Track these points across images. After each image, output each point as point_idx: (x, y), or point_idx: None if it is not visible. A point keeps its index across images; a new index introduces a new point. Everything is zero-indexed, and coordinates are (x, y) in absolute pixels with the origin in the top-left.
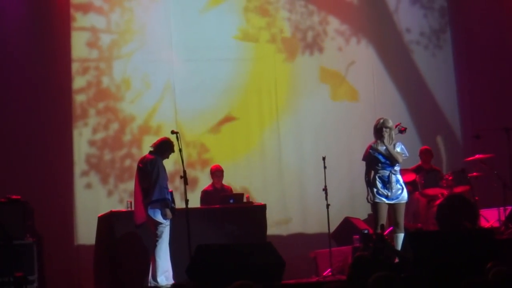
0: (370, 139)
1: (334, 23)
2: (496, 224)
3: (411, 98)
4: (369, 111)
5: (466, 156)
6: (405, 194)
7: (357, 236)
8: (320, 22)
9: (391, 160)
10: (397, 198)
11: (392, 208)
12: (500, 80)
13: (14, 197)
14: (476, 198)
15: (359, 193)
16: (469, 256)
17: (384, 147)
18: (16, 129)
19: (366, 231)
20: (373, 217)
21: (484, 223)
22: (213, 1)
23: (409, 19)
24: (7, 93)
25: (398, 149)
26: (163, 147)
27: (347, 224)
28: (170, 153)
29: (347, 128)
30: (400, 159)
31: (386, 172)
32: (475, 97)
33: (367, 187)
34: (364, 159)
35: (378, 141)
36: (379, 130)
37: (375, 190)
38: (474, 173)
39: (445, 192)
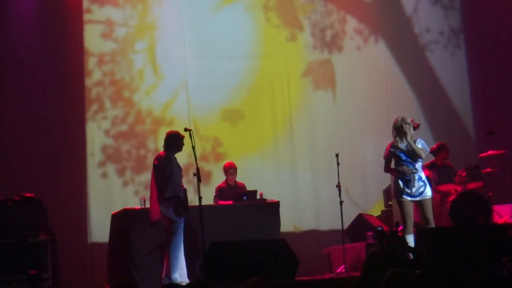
0: (383, 136)
1: (352, 22)
2: (510, 220)
3: (424, 95)
4: (382, 108)
5: (480, 152)
6: (428, 190)
7: (371, 233)
8: (339, 21)
9: (412, 157)
10: (420, 194)
11: (419, 204)
12: None
13: (27, 195)
14: (490, 194)
15: (372, 189)
16: (482, 252)
17: (405, 144)
18: (28, 126)
19: (380, 228)
20: (400, 214)
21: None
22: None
23: (428, 19)
24: (19, 89)
25: (419, 145)
26: (171, 142)
27: (361, 221)
28: (181, 145)
29: (360, 125)
30: (423, 154)
31: None
32: (488, 93)
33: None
34: (385, 157)
35: (398, 139)
36: (399, 128)
37: (398, 188)
38: (488, 169)
39: (459, 188)
